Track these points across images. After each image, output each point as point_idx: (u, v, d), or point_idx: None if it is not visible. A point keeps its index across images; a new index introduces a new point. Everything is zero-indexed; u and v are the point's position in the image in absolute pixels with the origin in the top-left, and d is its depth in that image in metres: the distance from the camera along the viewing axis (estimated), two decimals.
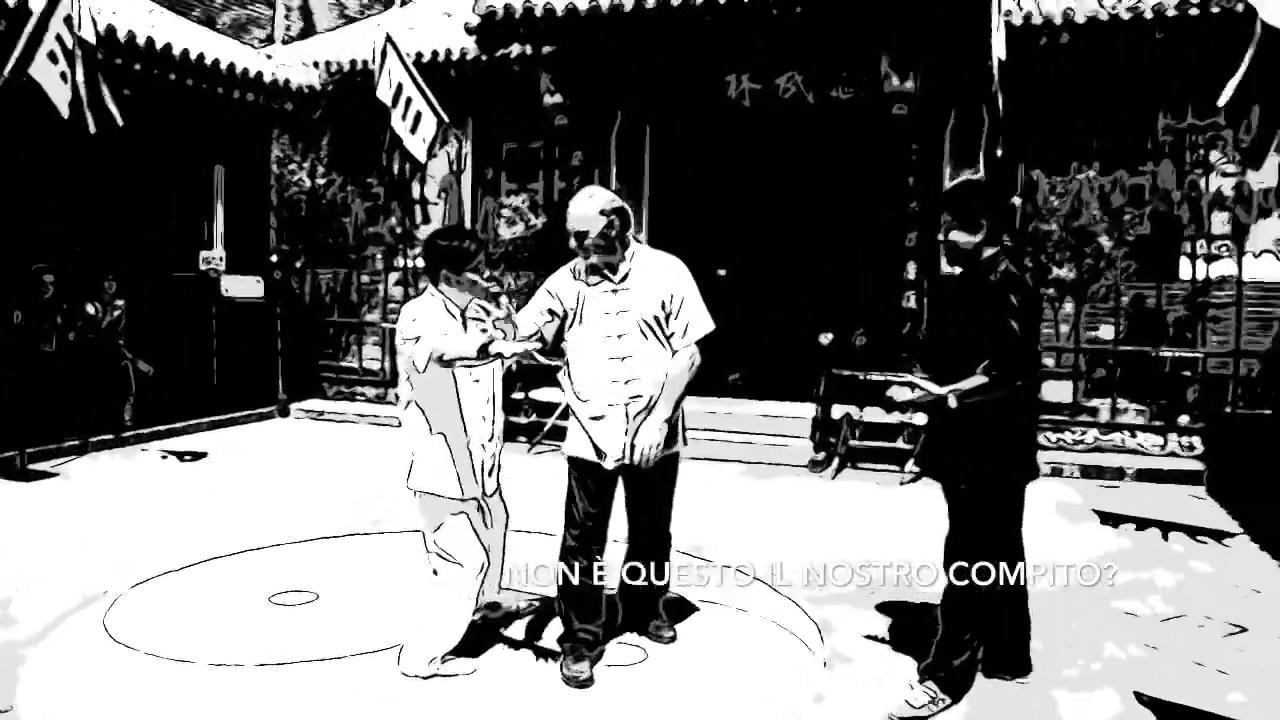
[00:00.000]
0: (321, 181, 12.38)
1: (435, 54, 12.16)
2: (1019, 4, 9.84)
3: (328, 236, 12.06)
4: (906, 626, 4.70)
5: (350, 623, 4.74)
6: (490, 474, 4.24)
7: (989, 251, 3.83)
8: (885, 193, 10.43)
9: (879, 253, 10.58)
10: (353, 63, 12.68)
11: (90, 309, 9.51)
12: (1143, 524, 7.05)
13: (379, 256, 12.04)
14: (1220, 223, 9.00)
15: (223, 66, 10.49)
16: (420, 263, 10.94)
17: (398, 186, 11.71)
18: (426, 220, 11.96)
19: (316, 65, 12.57)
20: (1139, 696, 4.05)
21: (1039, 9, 9.84)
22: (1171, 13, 9.41)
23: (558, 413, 9.38)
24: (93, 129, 7.96)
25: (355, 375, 11.97)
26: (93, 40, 7.99)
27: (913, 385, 3.84)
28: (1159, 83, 9.86)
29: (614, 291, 4.10)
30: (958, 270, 3.99)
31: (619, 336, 4.07)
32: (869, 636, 4.66)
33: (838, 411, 9.03)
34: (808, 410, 9.26)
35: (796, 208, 11.26)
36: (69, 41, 7.80)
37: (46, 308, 9.09)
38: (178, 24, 11.43)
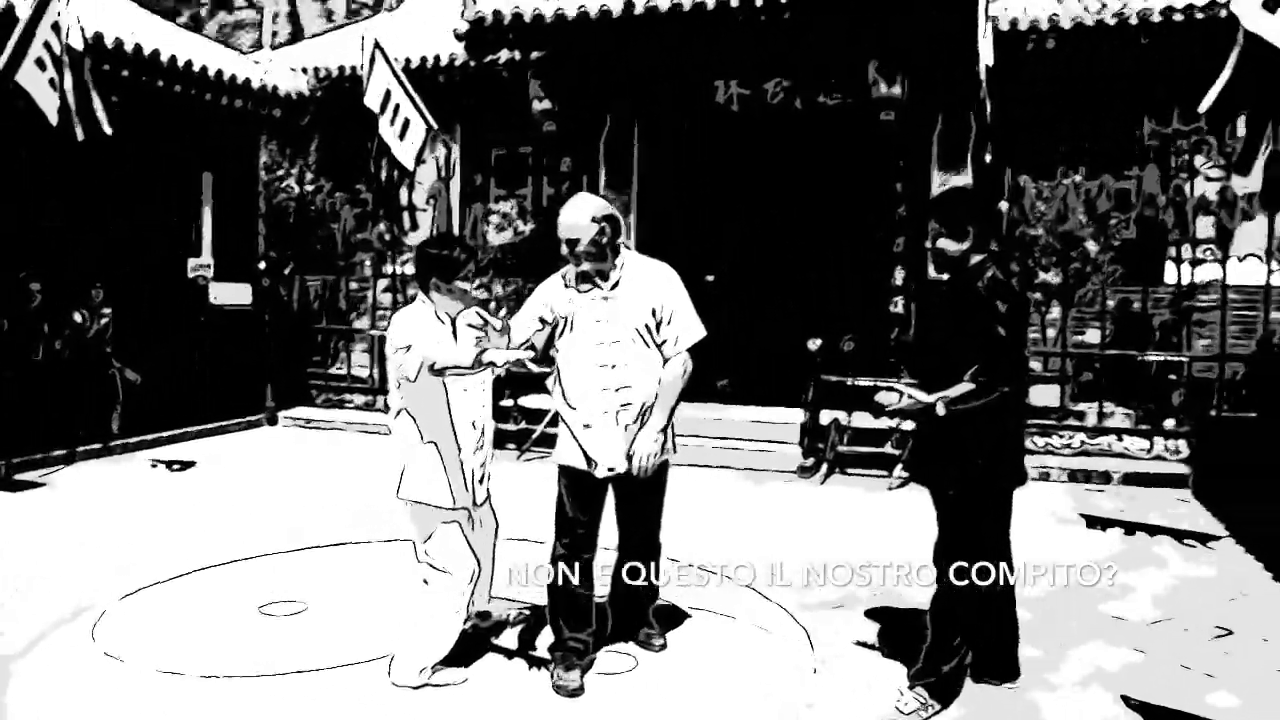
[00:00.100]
0: (310, 188, 12.38)
1: (424, 60, 12.20)
2: (1005, 9, 9.91)
3: (316, 243, 12.04)
4: (896, 632, 4.72)
5: (340, 633, 4.73)
6: (481, 483, 4.25)
7: (976, 258, 3.86)
8: (873, 198, 10.47)
9: (867, 258, 10.61)
10: (341, 68, 12.71)
11: (77, 317, 9.48)
12: (1129, 527, 7.09)
13: (367, 263, 12.03)
14: (1205, 227, 9.06)
15: (211, 73, 10.47)
16: (409, 269, 10.98)
17: (386, 193, 11.69)
18: (415, 227, 11.95)
19: (305, 71, 12.58)
20: (1127, 700, 4.07)
21: (1025, 14, 9.92)
22: (1156, 18, 9.51)
23: (547, 420, 9.38)
24: (81, 136, 7.95)
25: (344, 383, 11.95)
26: (80, 47, 7.96)
27: (901, 394, 3.86)
28: (1144, 88, 9.95)
29: (605, 299, 4.11)
30: (945, 276, 4.01)
31: (610, 344, 4.08)
32: (858, 643, 4.67)
33: (826, 417, 9.06)
34: (796, 416, 9.28)
35: (785, 213, 11.30)
36: (57, 48, 7.78)
37: (33, 316, 9.06)
38: (165, 29, 11.40)
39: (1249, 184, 8.71)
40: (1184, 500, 8.07)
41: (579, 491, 4.17)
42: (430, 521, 4.08)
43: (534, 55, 10.67)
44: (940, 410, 3.70)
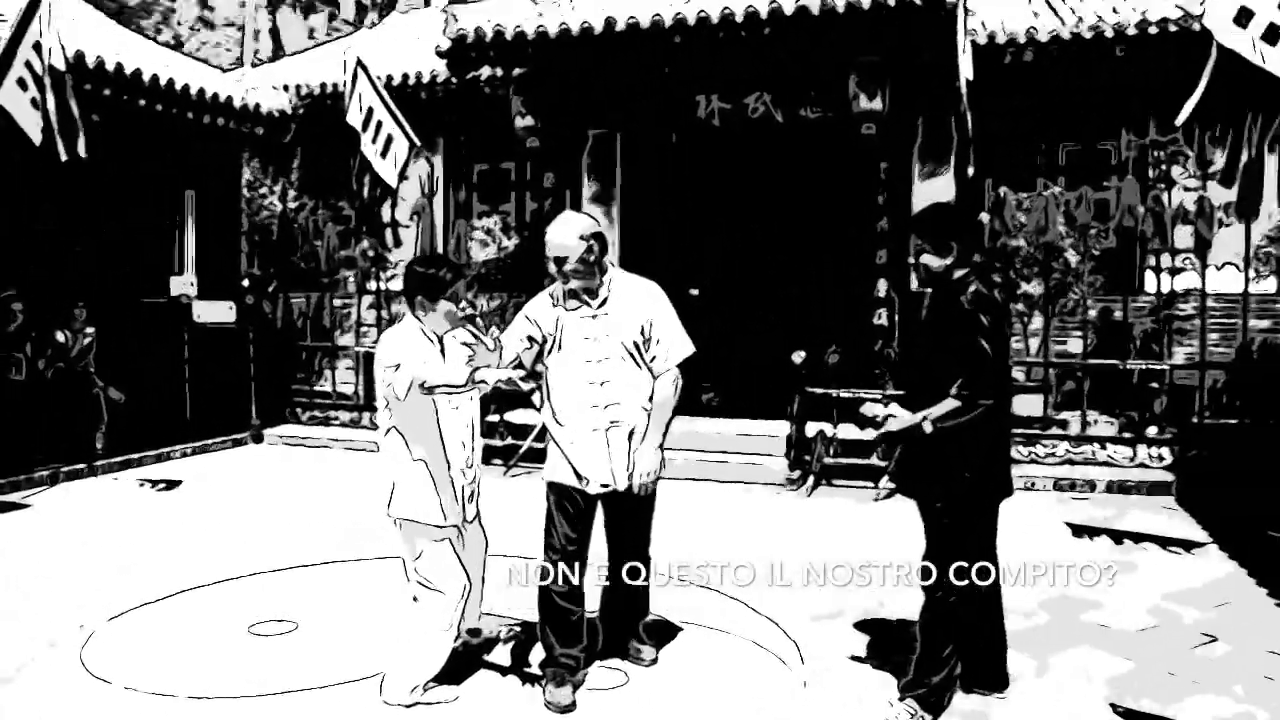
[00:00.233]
0: (293, 205, 12.36)
1: (406, 77, 12.21)
2: (984, 24, 10.02)
3: (300, 260, 12.01)
4: (886, 644, 4.74)
5: (331, 652, 4.72)
6: (471, 500, 4.26)
7: (960, 273, 3.90)
8: (855, 211, 10.53)
9: (849, 271, 10.68)
10: (323, 86, 12.71)
11: (60, 337, 9.44)
12: (1115, 535, 7.15)
13: (351, 280, 12.00)
14: (1184, 237, 9.16)
15: (192, 91, 10.46)
16: (393, 285, 10.99)
17: (369, 209, 11.71)
18: (399, 243, 11.96)
19: (286, 88, 12.58)
20: (1115, 707, 4.11)
21: (1003, 28, 10.03)
22: (1132, 31, 9.62)
23: (533, 435, 9.38)
24: (64, 156, 7.93)
25: (329, 399, 11.91)
26: (62, 67, 7.95)
27: (886, 402, 3.90)
28: (1121, 100, 10.09)
29: (593, 317, 4.13)
30: (929, 289, 4.06)
31: (598, 361, 4.11)
32: (849, 655, 4.69)
33: (812, 429, 9.09)
34: (782, 428, 9.32)
35: (767, 226, 11.36)
36: (39, 68, 7.78)
37: (15, 336, 9.01)
38: (147, 48, 11.40)
39: (1225, 194, 8.84)
40: (1168, 507, 8.13)
41: (569, 508, 4.19)
42: (421, 539, 4.08)
43: (516, 72, 10.69)
44: (927, 428, 3.75)
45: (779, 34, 9.12)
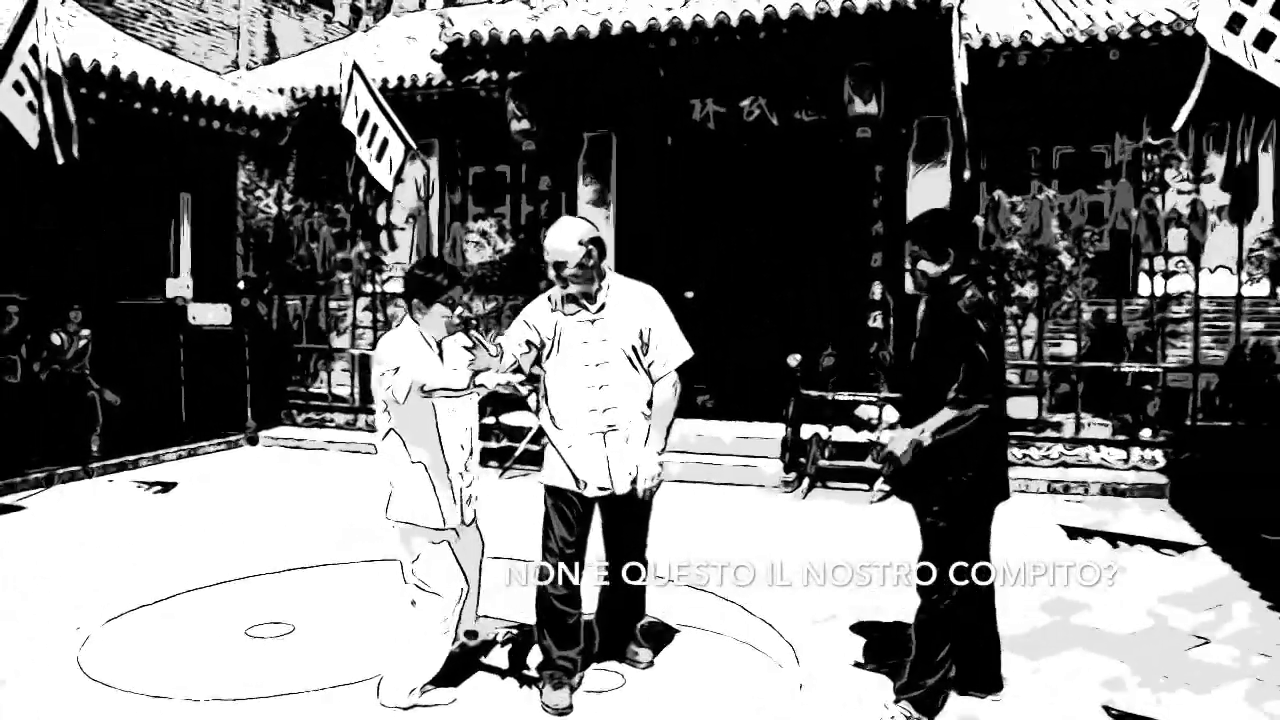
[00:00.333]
0: (288, 208, 12.36)
1: (401, 80, 12.23)
2: (978, 28, 10.05)
3: (295, 263, 12.01)
4: (882, 646, 4.76)
5: (328, 654, 4.73)
6: (469, 502, 4.27)
7: (956, 278, 3.93)
8: (850, 214, 10.57)
9: (844, 274, 10.71)
10: (319, 89, 12.73)
11: (55, 339, 9.43)
12: (1108, 537, 7.18)
13: (347, 282, 12.01)
14: (1177, 240, 9.19)
15: (188, 94, 10.45)
16: (389, 288, 11.00)
17: (365, 212, 11.71)
18: (394, 246, 11.96)
19: (282, 92, 12.57)
20: (1108, 709, 4.13)
21: (998, 32, 10.06)
22: (1125, 35, 9.66)
23: (529, 437, 9.39)
24: (60, 159, 7.94)
25: (325, 401, 11.91)
26: (58, 70, 7.96)
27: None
28: (1115, 104, 10.12)
29: (591, 321, 4.15)
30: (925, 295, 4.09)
31: (596, 365, 4.12)
32: (848, 659, 4.70)
33: (807, 431, 9.11)
34: (777, 431, 9.34)
35: (762, 229, 11.38)
36: (35, 72, 7.78)
37: (11, 338, 9.01)
38: (143, 52, 11.38)
39: (1218, 197, 8.88)
40: (1162, 509, 8.16)
41: (567, 511, 4.20)
42: (419, 542, 4.09)
43: (511, 75, 10.71)
44: (926, 440, 3.77)
45: (774, 38, 9.14)
